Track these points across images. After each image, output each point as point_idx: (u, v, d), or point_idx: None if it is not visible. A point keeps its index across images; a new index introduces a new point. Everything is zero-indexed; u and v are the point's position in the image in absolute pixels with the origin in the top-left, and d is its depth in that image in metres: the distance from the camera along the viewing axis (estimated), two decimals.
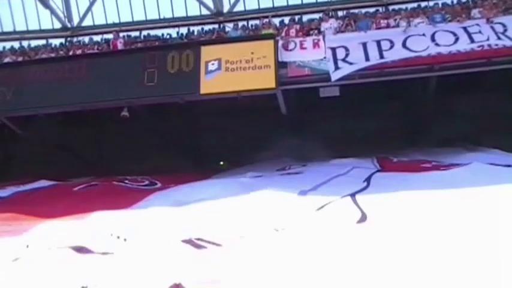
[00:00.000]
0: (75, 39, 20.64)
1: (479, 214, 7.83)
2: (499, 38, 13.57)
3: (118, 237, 8.39)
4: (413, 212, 8.58)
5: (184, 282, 5.79)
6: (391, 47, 13.92)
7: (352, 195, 9.99)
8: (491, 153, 13.83)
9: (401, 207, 8.92)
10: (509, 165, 11.76)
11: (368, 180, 11.63)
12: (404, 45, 13.87)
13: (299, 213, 9.21)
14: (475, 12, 15.02)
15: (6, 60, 17.53)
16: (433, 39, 13.79)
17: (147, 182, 13.88)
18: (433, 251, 6.63)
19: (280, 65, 13.96)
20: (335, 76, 13.68)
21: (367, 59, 13.77)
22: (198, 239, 7.92)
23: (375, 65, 13.66)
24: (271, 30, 15.64)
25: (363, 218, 8.72)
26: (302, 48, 14.29)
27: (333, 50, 14.03)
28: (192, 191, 11.82)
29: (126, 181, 14.05)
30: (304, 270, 6.21)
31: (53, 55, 17.46)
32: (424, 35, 13.98)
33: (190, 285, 5.75)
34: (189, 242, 7.83)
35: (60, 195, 12.99)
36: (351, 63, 13.80)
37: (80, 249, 7.75)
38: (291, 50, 14.30)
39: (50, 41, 20.38)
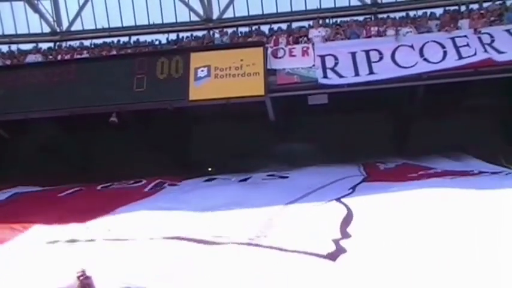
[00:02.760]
0: (64, 44, 20.55)
1: (464, 217, 8.02)
2: (485, 51, 13.76)
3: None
4: (400, 213, 8.69)
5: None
6: (380, 58, 14.09)
7: (338, 199, 10.12)
8: (475, 162, 14.06)
9: (388, 208, 9.04)
10: (495, 172, 11.98)
11: (353, 188, 11.78)
12: (393, 57, 14.03)
13: (284, 219, 9.32)
14: (462, 22, 15.15)
15: None
16: (421, 53, 13.97)
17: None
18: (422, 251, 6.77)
19: (270, 72, 14.06)
20: (324, 81, 13.87)
21: (356, 73, 13.93)
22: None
23: (364, 82, 13.81)
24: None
25: (349, 216, 8.85)
26: (291, 55, 14.41)
27: (322, 58, 14.16)
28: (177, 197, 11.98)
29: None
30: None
31: (41, 59, 17.36)
32: (412, 46, 14.11)
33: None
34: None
35: (44, 202, 13.04)
36: (340, 75, 13.96)
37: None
38: (280, 58, 14.41)
39: (39, 45, 20.27)
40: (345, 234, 8.24)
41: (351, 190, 11.48)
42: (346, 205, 9.68)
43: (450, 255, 6.87)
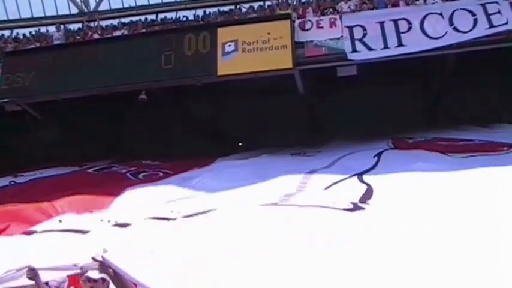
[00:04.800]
0: (92, 24, 20.69)
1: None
2: None
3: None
4: (419, 194, 8.57)
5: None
6: (409, 28, 13.78)
7: (360, 175, 10.07)
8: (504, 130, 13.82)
9: (408, 188, 8.96)
10: None
11: (379, 155, 11.71)
12: (422, 27, 13.71)
13: (304, 191, 9.33)
14: None
15: (25, 46, 17.67)
16: (451, 21, 13.59)
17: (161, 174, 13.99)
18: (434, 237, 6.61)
19: (297, 45, 13.91)
20: (353, 57, 13.70)
21: (385, 45, 13.68)
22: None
23: (393, 55, 13.59)
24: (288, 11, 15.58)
25: (369, 191, 8.82)
26: (319, 27, 14.22)
27: (350, 29, 13.94)
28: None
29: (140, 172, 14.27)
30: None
31: (70, 40, 17.52)
32: (441, 14, 13.81)
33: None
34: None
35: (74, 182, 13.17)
36: (369, 47, 13.74)
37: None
38: (307, 30, 14.23)
39: (68, 26, 20.44)
40: (363, 200, 8.22)
41: (375, 158, 11.42)
42: (367, 184, 9.61)
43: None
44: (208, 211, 8.11)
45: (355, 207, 7.71)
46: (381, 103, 15.00)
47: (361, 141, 14.22)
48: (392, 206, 7.92)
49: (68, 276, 6.37)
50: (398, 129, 14.96)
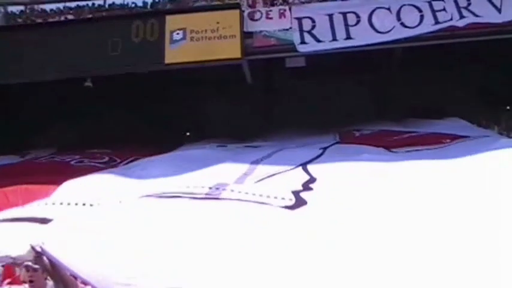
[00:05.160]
0: (35, 7, 20.02)
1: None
2: (462, 16, 13.77)
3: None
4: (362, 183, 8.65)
5: None
6: (358, 22, 14.03)
7: (304, 165, 10.13)
8: (453, 122, 14.17)
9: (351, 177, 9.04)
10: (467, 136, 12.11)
11: (324, 149, 11.84)
12: (370, 21, 13.97)
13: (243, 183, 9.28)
14: None
15: None
16: (398, 16, 13.92)
17: (106, 159, 13.74)
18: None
19: (246, 35, 13.91)
20: (301, 49, 13.81)
21: (334, 37, 13.87)
22: None
23: (341, 48, 13.77)
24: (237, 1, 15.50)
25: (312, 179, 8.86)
26: (268, 18, 14.28)
27: (299, 20, 14.05)
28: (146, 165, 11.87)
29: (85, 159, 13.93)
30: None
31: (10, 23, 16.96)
32: (389, 9, 14.05)
33: None
34: None
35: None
36: (317, 39, 13.89)
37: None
38: (257, 20, 14.26)
39: (9, 8, 19.73)
40: (306, 188, 8.23)
41: (321, 151, 11.55)
42: (309, 173, 9.68)
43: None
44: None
45: (297, 202, 7.69)
46: (329, 94, 15.13)
47: (309, 134, 14.32)
48: (334, 199, 7.93)
49: (2, 266, 6.21)
50: (346, 120, 15.11)
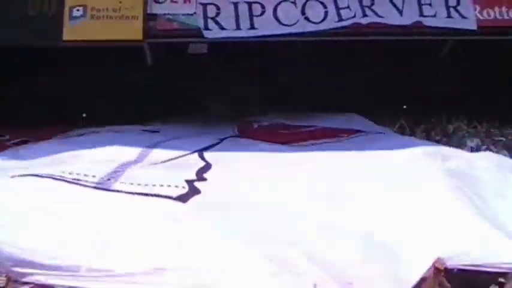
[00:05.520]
0: None
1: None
2: (365, 15, 14.02)
3: None
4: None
5: None
6: (263, 12, 14.03)
7: (200, 151, 10.12)
8: (350, 117, 14.47)
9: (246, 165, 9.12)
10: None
11: (221, 140, 11.87)
12: (275, 13, 14.00)
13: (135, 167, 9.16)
14: None
15: None
16: (303, 11, 14.01)
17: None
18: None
19: (150, 17, 13.63)
20: (207, 35, 13.70)
21: (237, 26, 13.85)
22: None
23: (244, 37, 13.82)
24: None
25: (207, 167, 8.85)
26: (173, 1, 13.99)
27: (204, 6, 13.90)
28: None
29: None
30: None
31: None
32: (295, 3, 14.12)
33: None
34: None
35: None
36: (221, 27, 13.81)
37: None
38: (161, 3, 13.94)
39: None
40: (200, 178, 8.23)
41: (218, 140, 11.56)
42: (206, 160, 9.67)
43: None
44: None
45: (190, 191, 7.66)
46: (230, 83, 15.08)
47: (208, 124, 14.25)
48: (227, 188, 7.99)
49: None
50: (246, 112, 15.11)
